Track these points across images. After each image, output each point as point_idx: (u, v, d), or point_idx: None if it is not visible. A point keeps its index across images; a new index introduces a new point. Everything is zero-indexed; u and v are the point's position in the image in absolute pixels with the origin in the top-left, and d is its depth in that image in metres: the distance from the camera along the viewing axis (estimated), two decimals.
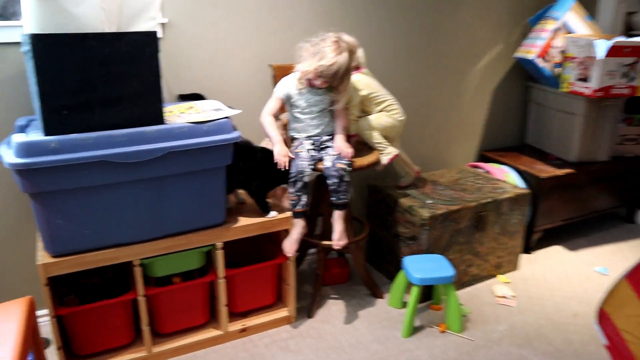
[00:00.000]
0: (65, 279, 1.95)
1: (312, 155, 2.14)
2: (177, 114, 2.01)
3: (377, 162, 2.29)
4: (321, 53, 2.02)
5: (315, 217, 2.49)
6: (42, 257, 1.80)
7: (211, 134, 1.87)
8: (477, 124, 3.16)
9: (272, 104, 2.19)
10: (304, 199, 2.11)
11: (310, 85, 2.10)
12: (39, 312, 1.88)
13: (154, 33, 1.74)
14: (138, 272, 1.93)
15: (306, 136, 2.21)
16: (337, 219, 2.15)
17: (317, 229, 2.50)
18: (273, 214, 2.13)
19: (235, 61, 2.36)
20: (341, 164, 2.07)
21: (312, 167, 2.12)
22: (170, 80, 2.23)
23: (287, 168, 2.07)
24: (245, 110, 2.22)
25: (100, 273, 2.10)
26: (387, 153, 2.36)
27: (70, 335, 1.96)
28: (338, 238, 2.16)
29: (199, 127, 1.86)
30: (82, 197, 1.75)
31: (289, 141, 2.31)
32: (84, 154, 1.68)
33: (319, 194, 2.37)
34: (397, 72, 2.76)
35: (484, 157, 3.18)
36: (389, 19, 2.65)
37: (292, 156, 2.10)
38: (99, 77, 1.70)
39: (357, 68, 2.32)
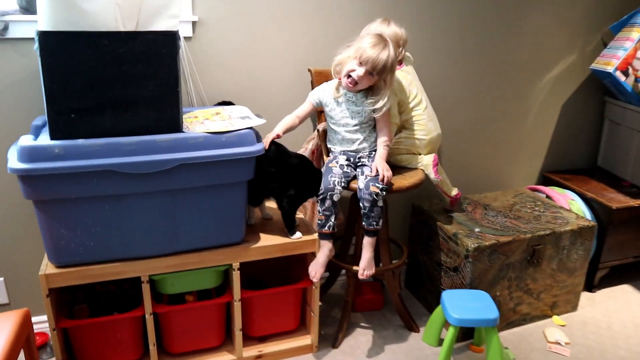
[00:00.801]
0: (80, 285, 1.84)
1: (345, 172, 1.92)
2: (200, 120, 1.86)
3: (419, 184, 2.04)
4: (361, 40, 1.84)
5: (350, 236, 2.28)
6: (46, 267, 1.70)
7: (230, 145, 1.70)
8: (542, 141, 2.82)
9: (302, 107, 2.01)
10: (333, 219, 1.90)
11: (351, 85, 1.86)
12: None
13: (172, 33, 1.59)
14: (146, 288, 1.79)
15: (341, 150, 2.00)
16: (366, 246, 1.94)
17: (351, 249, 2.29)
18: (297, 235, 1.93)
19: (272, 64, 2.17)
20: (375, 187, 1.85)
21: (345, 185, 1.91)
22: (200, 83, 2.08)
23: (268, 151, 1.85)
24: (282, 116, 2.03)
25: (118, 281, 1.99)
26: (427, 165, 2.10)
27: (75, 347, 1.85)
28: (364, 267, 1.94)
29: (217, 137, 1.69)
30: (87, 207, 1.62)
31: (325, 152, 2.11)
32: (89, 162, 1.55)
33: (354, 213, 2.16)
34: (452, 80, 2.49)
35: (546, 180, 2.84)
36: (444, 20, 2.38)
37: (273, 137, 1.89)
38: (111, 79, 1.56)
39: (398, 63, 2.07)
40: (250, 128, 1.76)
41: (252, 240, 1.91)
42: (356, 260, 2.16)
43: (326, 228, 1.90)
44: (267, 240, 1.91)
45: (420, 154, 2.12)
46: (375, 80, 1.86)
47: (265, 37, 2.12)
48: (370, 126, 1.99)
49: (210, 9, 2.01)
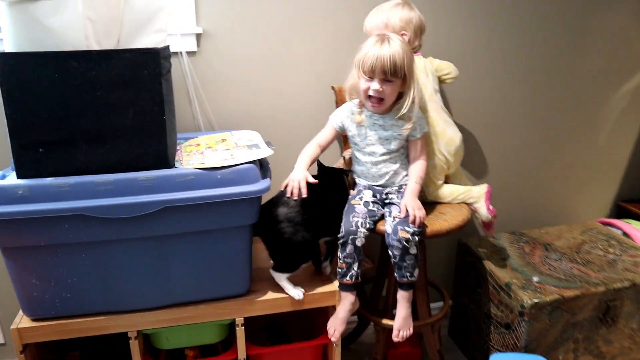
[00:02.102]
0: None
1: (370, 211, 1.60)
2: (201, 150, 1.60)
3: (464, 225, 1.68)
4: (359, 51, 1.53)
5: (382, 279, 1.95)
6: (20, 320, 1.48)
7: (227, 184, 1.41)
8: (617, 164, 2.38)
9: (323, 133, 1.70)
10: (356, 267, 1.58)
11: (377, 105, 1.54)
12: None
13: (154, 51, 1.32)
14: (135, 345, 1.54)
15: (367, 184, 1.67)
16: (401, 302, 1.61)
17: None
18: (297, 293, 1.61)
19: (290, 81, 1.88)
20: (404, 232, 1.51)
21: (370, 226, 1.58)
22: (207, 104, 1.82)
23: (294, 197, 1.54)
24: (301, 143, 1.74)
25: None
26: (477, 197, 1.75)
27: None
28: (399, 327, 1.61)
29: (211, 174, 1.41)
30: (60, 255, 1.39)
31: (351, 183, 1.80)
32: (55, 205, 1.31)
33: (385, 253, 1.83)
34: (506, 95, 2.11)
35: (622, 211, 2.39)
36: (496, 25, 2.00)
37: (311, 180, 1.57)
38: (84, 108, 1.32)
39: (413, 51, 1.71)
40: (253, 162, 1.47)
41: (260, 290, 1.62)
42: (388, 308, 1.84)
43: (347, 278, 1.58)
44: (277, 291, 1.62)
45: (446, 178, 1.77)
46: (400, 84, 1.53)
47: (281, 50, 1.83)
48: (404, 155, 1.65)
49: (217, 19, 1.75)
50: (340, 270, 1.60)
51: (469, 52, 1.99)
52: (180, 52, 1.73)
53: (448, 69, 1.78)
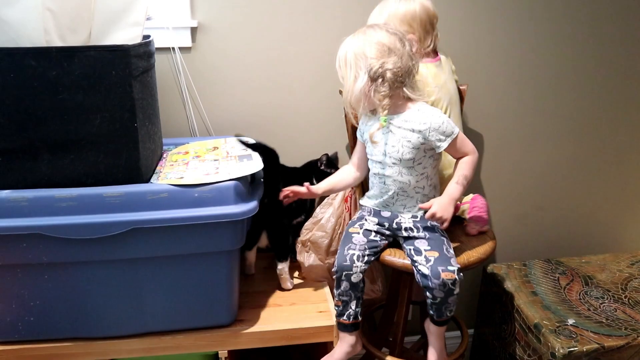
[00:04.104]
0: None
1: (371, 241, 1.37)
2: (188, 159, 1.43)
3: (484, 258, 1.45)
4: None
5: (393, 307, 1.73)
6: None
7: (204, 204, 1.23)
8: None
9: (356, 148, 1.51)
10: (354, 305, 1.36)
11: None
12: None
13: (122, 48, 1.15)
14: None
15: (373, 207, 1.45)
16: (436, 336, 1.40)
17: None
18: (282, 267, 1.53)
19: (296, 82, 1.68)
20: (449, 274, 1.26)
21: (369, 259, 1.36)
22: (202, 106, 1.64)
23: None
24: (304, 152, 1.55)
25: None
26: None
27: None
28: None
29: (188, 192, 1.23)
30: (20, 276, 1.25)
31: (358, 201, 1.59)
32: (12, 222, 1.16)
33: (397, 277, 1.62)
34: (543, 102, 1.84)
35: None
36: (532, 21, 1.74)
37: (300, 190, 1.43)
38: (44, 112, 1.17)
39: (433, 52, 1.46)
40: (239, 179, 1.28)
41: (249, 320, 1.43)
42: (397, 340, 1.62)
43: (345, 317, 1.37)
44: (267, 322, 1.43)
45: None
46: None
47: (285, 47, 1.64)
48: (423, 175, 1.37)
49: (214, 11, 1.57)
50: (336, 308, 1.39)
51: (492, 49, 1.74)
52: (173, 48, 1.55)
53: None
